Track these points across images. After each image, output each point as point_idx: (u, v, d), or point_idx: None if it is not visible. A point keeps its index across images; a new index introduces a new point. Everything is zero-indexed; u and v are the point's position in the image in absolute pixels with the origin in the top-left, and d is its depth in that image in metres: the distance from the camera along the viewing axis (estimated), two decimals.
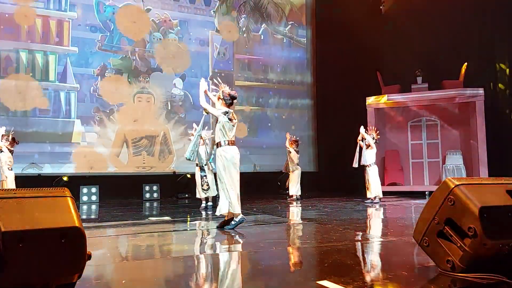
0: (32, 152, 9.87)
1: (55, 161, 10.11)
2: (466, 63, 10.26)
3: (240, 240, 4.33)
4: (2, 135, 7.38)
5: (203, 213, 7.05)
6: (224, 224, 4.84)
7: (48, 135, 10.09)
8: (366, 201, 8.37)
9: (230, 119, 4.80)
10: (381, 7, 12.17)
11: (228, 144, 4.80)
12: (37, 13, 10.30)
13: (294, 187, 9.45)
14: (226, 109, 4.82)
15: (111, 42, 10.99)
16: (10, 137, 7.41)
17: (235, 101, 4.99)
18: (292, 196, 9.43)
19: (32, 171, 9.81)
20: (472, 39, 10.40)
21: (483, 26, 10.37)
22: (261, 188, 11.38)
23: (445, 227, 2.52)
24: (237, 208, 4.72)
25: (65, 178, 9.54)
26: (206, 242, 4.27)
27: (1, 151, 7.29)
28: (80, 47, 10.62)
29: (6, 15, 10.00)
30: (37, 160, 9.95)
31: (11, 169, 7.35)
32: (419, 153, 10.91)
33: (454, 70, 10.40)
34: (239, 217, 4.77)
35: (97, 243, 4.15)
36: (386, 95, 10.69)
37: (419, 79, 10.71)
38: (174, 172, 10.98)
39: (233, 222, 4.76)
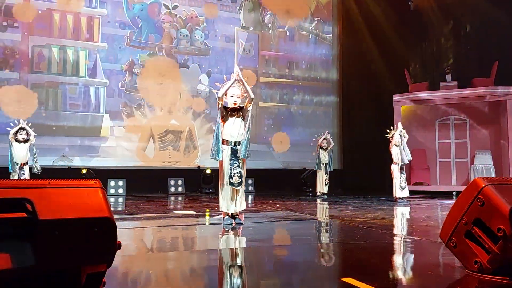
0: (63, 145, 10.18)
1: (85, 154, 10.39)
2: (497, 61, 9.97)
3: (263, 235, 4.36)
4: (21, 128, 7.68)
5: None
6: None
7: (78, 129, 10.37)
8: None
9: None
10: (409, 3, 11.95)
11: None
12: (69, 10, 10.57)
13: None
14: None
15: (139, 39, 11.19)
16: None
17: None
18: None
19: (62, 163, 10.12)
20: (503, 36, 10.09)
21: None
22: (285, 185, 11.39)
23: (474, 227, 2.48)
24: None
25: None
26: (229, 236, 4.32)
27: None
28: (109, 43, 10.85)
29: (40, 12, 10.31)
30: (68, 153, 10.25)
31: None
32: (446, 152, 10.68)
33: (485, 68, 10.13)
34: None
35: (124, 234, 4.26)
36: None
37: (448, 77, 10.47)
38: (199, 167, 11.10)
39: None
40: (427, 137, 10.85)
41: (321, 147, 9.53)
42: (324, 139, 9.57)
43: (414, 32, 11.39)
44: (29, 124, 7.95)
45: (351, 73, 12.87)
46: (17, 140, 7.63)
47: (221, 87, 4.87)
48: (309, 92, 13.00)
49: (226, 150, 4.68)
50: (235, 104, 4.71)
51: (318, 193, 9.44)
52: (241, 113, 4.73)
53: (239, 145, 4.67)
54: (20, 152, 7.63)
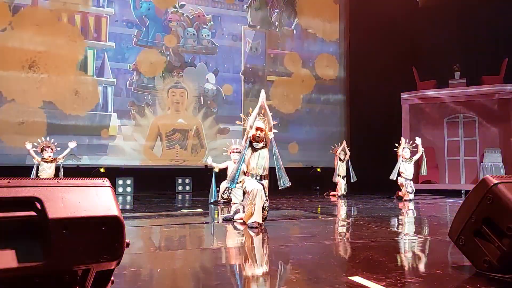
0: None
1: (93, 153, 10.45)
2: (506, 58, 9.86)
3: (270, 234, 4.36)
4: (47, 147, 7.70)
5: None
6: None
7: (86, 128, 10.44)
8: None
9: None
10: (417, 0, 11.86)
11: None
12: (77, 10, 10.64)
13: None
14: None
15: (146, 38, 11.23)
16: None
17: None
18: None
19: (71, 162, 10.17)
20: None
21: None
22: (292, 183, 11.35)
23: (483, 226, 2.46)
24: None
25: (102, 170, 9.83)
26: (236, 235, 4.32)
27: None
28: (117, 43, 10.90)
29: (49, 11, 10.38)
30: (76, 152, 10.30)
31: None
32: (455, 150, 10.60)
33: (494, 65, 10.02)
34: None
35: (132, 232, 4.29)
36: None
37: (457, 74, 10.39)
38: (206, 166, 11.12)
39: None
40: (435, 135, 10.78)
41: (339, 159, 9.56)
42: (341, 150, 9.60)
43: (422, 29, 11.30)
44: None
45: (358, 71, 12.79)
46: (44, 160, 7.66)
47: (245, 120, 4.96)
48: (316, 91, 12.96)
49: (254, 181, 4.68)
50: (259, 137, 4.74)
51: (339, 194, 9.41)
52: (264, 146, 4.81)
53: (263, 179, 4.73)
54: (47, 172, 7.65)
